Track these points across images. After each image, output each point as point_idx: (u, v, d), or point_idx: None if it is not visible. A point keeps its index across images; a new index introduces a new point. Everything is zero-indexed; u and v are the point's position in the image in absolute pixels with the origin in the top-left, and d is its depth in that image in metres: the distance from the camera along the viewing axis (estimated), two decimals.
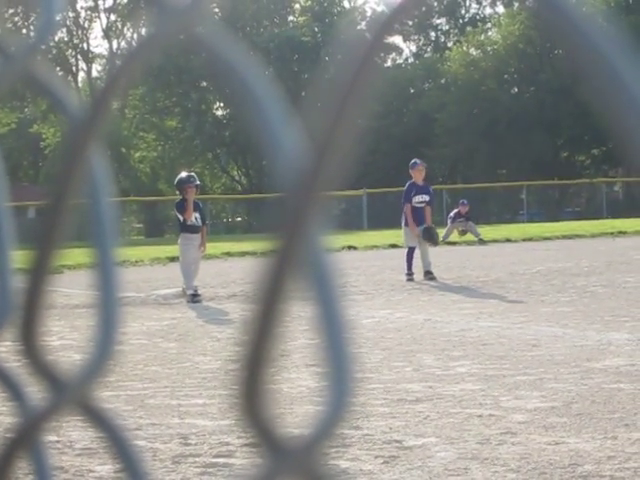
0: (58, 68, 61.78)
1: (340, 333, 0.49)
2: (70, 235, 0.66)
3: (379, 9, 0.47)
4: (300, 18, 62.96)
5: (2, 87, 0.70)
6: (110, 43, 66.14)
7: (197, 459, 4.72)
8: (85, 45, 67.01)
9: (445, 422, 5.33)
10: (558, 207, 51.37)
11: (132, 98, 58.75)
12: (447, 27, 67.91)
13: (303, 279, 0.50)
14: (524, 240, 25.70)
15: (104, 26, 65.51)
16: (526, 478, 4.21)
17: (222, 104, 59.69)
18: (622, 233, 26.39)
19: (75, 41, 66.16)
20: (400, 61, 65.04)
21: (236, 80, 0.54)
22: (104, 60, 64.30)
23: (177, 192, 13.59)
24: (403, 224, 15.32)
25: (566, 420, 5.26)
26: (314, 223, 0.49)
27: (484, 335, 8.68)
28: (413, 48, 67.84)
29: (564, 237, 26.21)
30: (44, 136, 61.49)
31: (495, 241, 25.49)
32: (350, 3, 66.11)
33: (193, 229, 13.16)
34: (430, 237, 14.85)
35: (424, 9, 61.43)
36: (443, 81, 59.12)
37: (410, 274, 14.71)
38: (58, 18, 0.68)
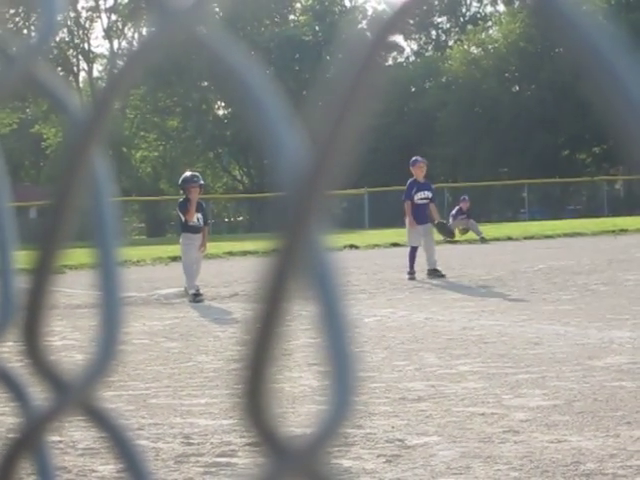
0: (59, 68, 61.81)
1: (342, 332, 0.49)
2: (72, 235, 0.66)
3: (380, 8, 0.47)
4: (301, 17, 63.02)
5: (4, 89, 0.70)
6: (111, 43, 66.22)
7: (200, 459, 4.72)
8: (86, 45, 67.08)
9: (447, 421, 5.33)
10: (559, 205, 51.35)
11: (133, 98, 58.76)
12: (448, 25, 67.92)
13: (305, 278, 0.50)
14: (525, 238, 25.68)
15: (105, 26, 65.55)
16: (528, 476, 4.21)
17: (223, 104, 59.70)
18: (623, 231, 26.38)
19: (76, 41, 66.18)
20: (401, 60, 65.05)
21: (237, 79, 0.54)
22: (105, 60, 64.30)
23: (181, 191, 13.53)
24: (407, 223, 15.32)
25: (568, 418, 5.26)
26: (316, 222, 0.49)
27: (486, 333, 8.68)
28: (414, 46, 67.91)
29: (565, 235, 26.20)
30: (45, 136, 61.58)
31: (497, 239, 25.49)
32: (351, 2, 66.25)
33: (194, 229, 13.13)
34: (445, 231, 14.74)
35: (425, 8, 61.37)
36: (444, 79, 59.10)
37: (412, 273, 14.71)
38: (59, 18, 0.68)
